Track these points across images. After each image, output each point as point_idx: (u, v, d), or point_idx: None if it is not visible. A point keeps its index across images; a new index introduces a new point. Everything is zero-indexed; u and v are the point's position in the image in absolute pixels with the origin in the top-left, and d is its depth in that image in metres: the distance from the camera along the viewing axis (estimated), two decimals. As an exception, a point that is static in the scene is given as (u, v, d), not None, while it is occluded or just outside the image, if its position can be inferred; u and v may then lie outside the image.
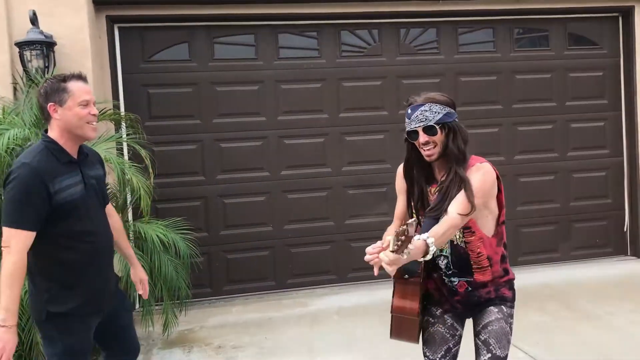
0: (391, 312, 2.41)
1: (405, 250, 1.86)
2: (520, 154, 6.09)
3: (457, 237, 2.36)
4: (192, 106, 5.48)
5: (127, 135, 4.78)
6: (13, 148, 3.85)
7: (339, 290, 5.65)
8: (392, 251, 1.83)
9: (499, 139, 6.03)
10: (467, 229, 2.33)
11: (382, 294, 5.52)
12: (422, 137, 2.29)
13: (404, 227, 1.85)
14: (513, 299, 2.46)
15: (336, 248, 5.77)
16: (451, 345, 2.49)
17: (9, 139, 3.72)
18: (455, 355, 2.51)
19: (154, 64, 5.39)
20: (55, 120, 2.41)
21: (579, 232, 6.24)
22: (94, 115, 2.45)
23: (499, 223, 2.41)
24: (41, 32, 4.56)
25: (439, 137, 2.29)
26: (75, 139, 2.46)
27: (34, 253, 2.38)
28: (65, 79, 2.42)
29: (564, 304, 4.97)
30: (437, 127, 2.28)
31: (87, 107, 2.43)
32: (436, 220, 2.25)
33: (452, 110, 2.33)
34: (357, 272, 5.76)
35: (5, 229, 2.29)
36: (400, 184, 2.54)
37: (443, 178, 2.35)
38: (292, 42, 5.68)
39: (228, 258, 5.62)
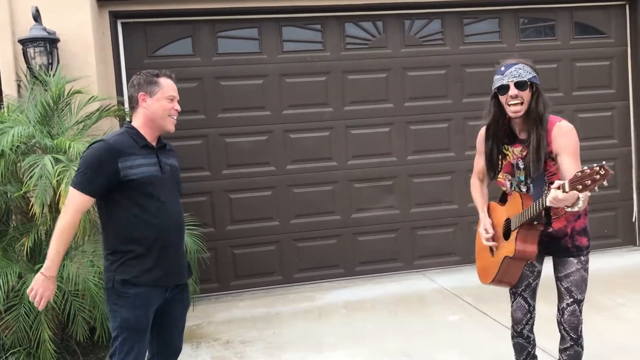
0: (506, 257, 2.72)
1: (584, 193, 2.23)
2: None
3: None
4: (196, 101, 5.46)
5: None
6: (18, 146, 3.84)
7: (346, 284, 5.64)
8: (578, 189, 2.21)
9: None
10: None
11: (389, 287, 5.54)
12: (512, 91, 2.58)
13: (597, 168, 2.14)
14: (589, 246, 2.79)
15: (343, 242, 5.74)
16: (531, 281, 2.90)
17: (13, 136, 3.71)
18: (535, 289, 2.92)
19: (158, 60, 5.36)
20: (142, 109, 2.66)
21: (587, 223, 6.20)
22: (176, 110, 2.71)
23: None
24: (44, 29, 4.54)
25: (526, 94, 2.58)
26: (156, 129, 2.70)
27: (111, 225, 2.61)
28: (157, 74, 2.70)
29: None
30: (528, 83, 2.58)
31: (172, 102, 2.70)
32: (541, 181, 2.61)
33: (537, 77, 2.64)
34: (363, 265, 5.74)
35: (70, 189, 2.58)
36: (481, 143, 2.88)
37: (524, 137, 2.67)
38: (296, 35, 5.65)
39: (235, 253, 5.61)
